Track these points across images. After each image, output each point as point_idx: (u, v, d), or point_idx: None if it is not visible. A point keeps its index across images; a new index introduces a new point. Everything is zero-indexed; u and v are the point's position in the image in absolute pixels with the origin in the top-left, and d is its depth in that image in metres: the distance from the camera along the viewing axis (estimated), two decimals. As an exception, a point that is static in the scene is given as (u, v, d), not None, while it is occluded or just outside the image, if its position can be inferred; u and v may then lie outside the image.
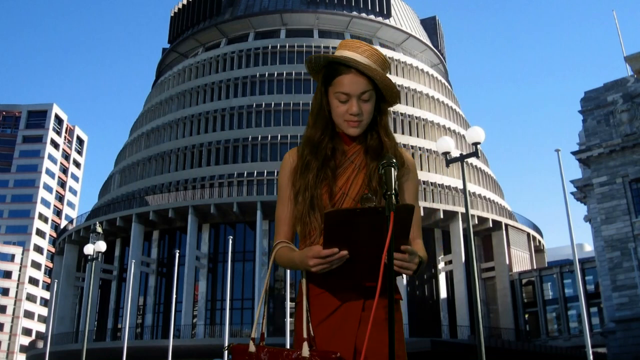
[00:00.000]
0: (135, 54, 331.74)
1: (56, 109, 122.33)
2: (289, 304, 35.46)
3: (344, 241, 1.86)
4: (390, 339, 1.72)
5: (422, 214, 43.47)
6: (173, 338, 37.20)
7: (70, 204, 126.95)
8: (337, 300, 2.05)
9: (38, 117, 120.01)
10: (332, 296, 2.06)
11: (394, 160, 1.89)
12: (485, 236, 51.51)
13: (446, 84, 64.39)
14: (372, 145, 2.20)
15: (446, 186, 50.85)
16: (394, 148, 2.22)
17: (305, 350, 1.95)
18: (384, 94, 2.19)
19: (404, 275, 2.03)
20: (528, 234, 55.22)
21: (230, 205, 45.52)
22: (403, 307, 26.18)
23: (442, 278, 47.67)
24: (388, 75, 2.20)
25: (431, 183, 50.40)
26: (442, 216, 46.34)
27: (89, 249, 27.17)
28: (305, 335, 2.00)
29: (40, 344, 56.04)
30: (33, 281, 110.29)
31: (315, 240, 2.10)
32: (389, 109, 2.27)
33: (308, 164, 2.19)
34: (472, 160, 51.45)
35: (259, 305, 2.10)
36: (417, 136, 53.24)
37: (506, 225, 51.24)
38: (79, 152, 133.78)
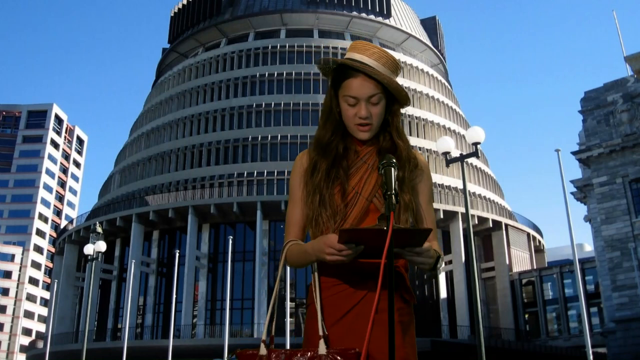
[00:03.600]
0: (135, 54, 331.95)
1: (56, 109, 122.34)
2: (289, 304, 35.46)
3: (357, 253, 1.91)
4: (390, 340, 1.72)
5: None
6: (173, 338, 37.20)
7: (70, 204, 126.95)
8: (350, 303, 2.05)
9: (38, 117, 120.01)
10: (344, 298, 2.06)
11: (394, 161, 1.89)
12: (485, 236, 51.51)
13: (446, 84, 64.40)
14: (385, 147, 2.20)
15: (446, 186, 50.87)
16: (407, 150, 2.21)
17: (322, 349, 1.93)
18: (394, 95, 2.18)
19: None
20: (528, 234, 55.23)
21: (230, 205, 45.51)
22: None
23: (442, 278, 47.66)
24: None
25: (431, 183, 50.37)
26: (442, 216, 46.35)
27: (89, 249, 27.17)
28: (320, 333, 1.99)
29: (40, 344, 56.05)
30: (33, 281, 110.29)
31: None
32: (400, 110, 2.26)
33: (316, 164, 2.19)
34: (472, 160, 51.46)
35: (270, 307, 2.08)
36: (417, 136, 53.27)
37: (506, 225, 51.24)
38: (79, 152, 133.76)
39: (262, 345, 1.99)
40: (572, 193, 47.03)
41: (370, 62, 2.11)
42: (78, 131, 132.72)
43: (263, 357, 1.97)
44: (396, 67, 2.18)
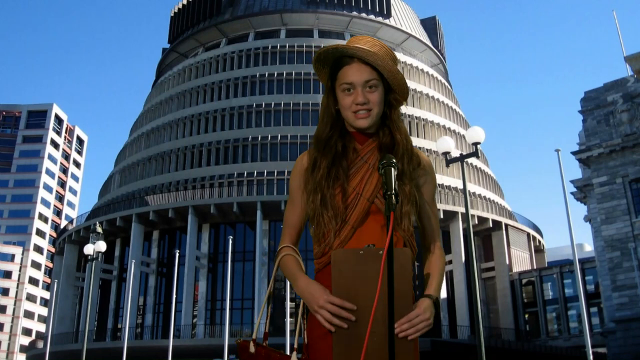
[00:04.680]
0: (135, 54, 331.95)
1: (56, 109, 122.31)
2: (289, 304, 35.46)
3: (350, 289, 1.90)
4: (390, 341, 1.71)
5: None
6: (173, 338, 37.18)
7: (70, 204, 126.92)
8: None
9: (38, 117, 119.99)
10: None
11: (394, 160, 1.88)
12: (485, 236, 51.49)
13: (446, 84, 64.39)
14: (385, 143, 2.17)
15: (446, 186, 50.84)
16: (405, 143, 2.19)
17: (294, 359, 2.00)
18: (390, 85, 2.16)
19: None
20: (528, 234, 55.21)
21: (230, 205, 45.50)
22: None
23: (442, 278, 47.60)
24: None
25: (431, 183, 50.36)
26: (442, 216, 46.31)
27: (89, 249, 27.15)
28: (295, 346, 2.04)
29: (40, 344, 56.04)
30: (33, 281, 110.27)
31: (329, 242, 2.07)
32: (399, 102, 2.24)
33: (316, 161, 2.16)
34: (472, 160, 51.44)
35: (262, 307, 2.13)
36: (417, 136, 53.23)
37: (506, 225, 51.22)
38: (79, 152, 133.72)
39: (252, 344, 2.06)
40: (572, 193, 47.01)
41: (365, 47, 2.10)
42: (78, 131, 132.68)
43: (252, 355, 2.05)
44: (392, 56, 2.16)
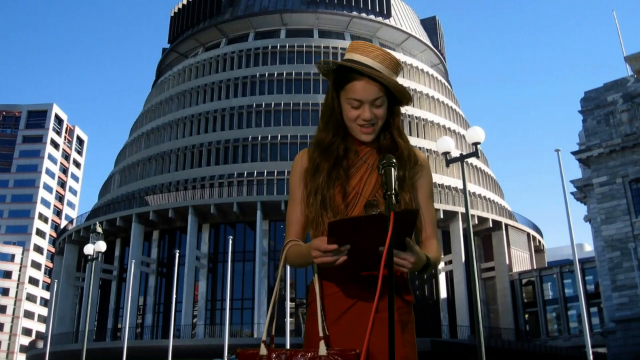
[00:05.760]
0: (135, 54, 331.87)
1: (56, 109, 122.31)
2: (289, 304, 35.46)
3: (348, 243, 1.86)
4: (390, 339, 1.72)
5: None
6: (173, 338, 37.20)
7: (70, 204, 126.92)
8: (350, 301, 2.03)
9: (38, 117, 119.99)
10: (344, 297, 2.04)
11: (394, 160, 1.89)
12: (485, 236, 51.50)
13: (446, 84, 64.40)
14: (385, 145, 2.19)
15: (446, 186, 50.87)
16: (407, 149, 2.21)
17: (323, 349, 1.91)
18: (395, 95, 2.18)
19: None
20: (528, 234, 55.22)
21: (230, 205, 45.52)
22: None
23: (442, 278, 47.66)
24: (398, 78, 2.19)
25: (431, 183, 50.38)
26: (442, 216, 46.35)
27: (89, 249, 27.17)
28: (320, 334, 1.98)
29: (40, 344, 56.06)
30: (33, 281, 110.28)
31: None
32: (401, 110, 2.27)
33: (318, 166, 2.18)
34: (472, 160, 51.45)
35: (270, 307, 2.06)
36: (417, 136, 53.26)
37: (506, 225, 51.23)
38: (79, 152, 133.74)
39: (262, 345, 1.98)
40: (572, 193, 47.02)
41: (374, 65, 2.10)
42: (78, 131, 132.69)
43: (263, 357, 1.96)
44: (397, 67, 2.17)
